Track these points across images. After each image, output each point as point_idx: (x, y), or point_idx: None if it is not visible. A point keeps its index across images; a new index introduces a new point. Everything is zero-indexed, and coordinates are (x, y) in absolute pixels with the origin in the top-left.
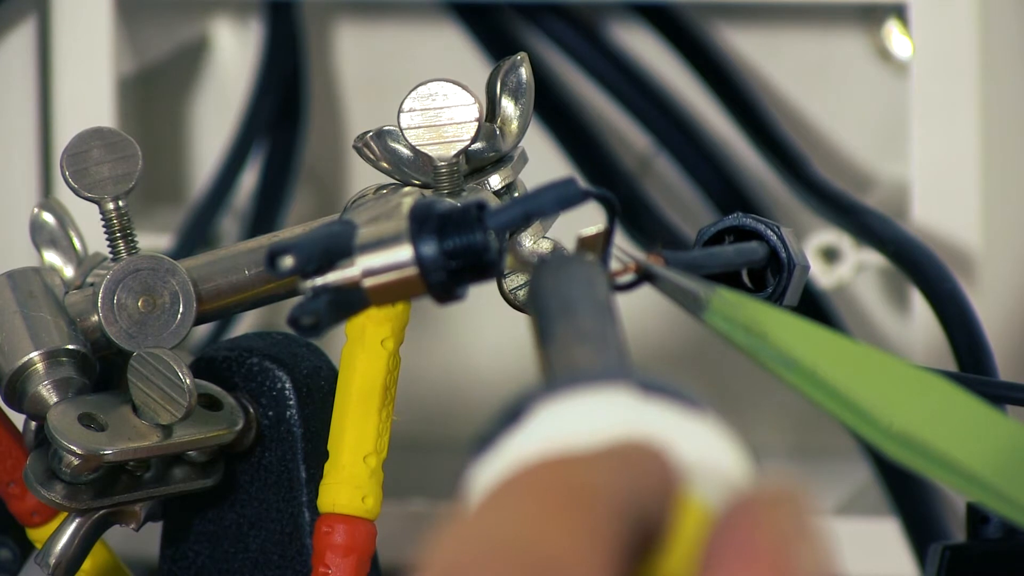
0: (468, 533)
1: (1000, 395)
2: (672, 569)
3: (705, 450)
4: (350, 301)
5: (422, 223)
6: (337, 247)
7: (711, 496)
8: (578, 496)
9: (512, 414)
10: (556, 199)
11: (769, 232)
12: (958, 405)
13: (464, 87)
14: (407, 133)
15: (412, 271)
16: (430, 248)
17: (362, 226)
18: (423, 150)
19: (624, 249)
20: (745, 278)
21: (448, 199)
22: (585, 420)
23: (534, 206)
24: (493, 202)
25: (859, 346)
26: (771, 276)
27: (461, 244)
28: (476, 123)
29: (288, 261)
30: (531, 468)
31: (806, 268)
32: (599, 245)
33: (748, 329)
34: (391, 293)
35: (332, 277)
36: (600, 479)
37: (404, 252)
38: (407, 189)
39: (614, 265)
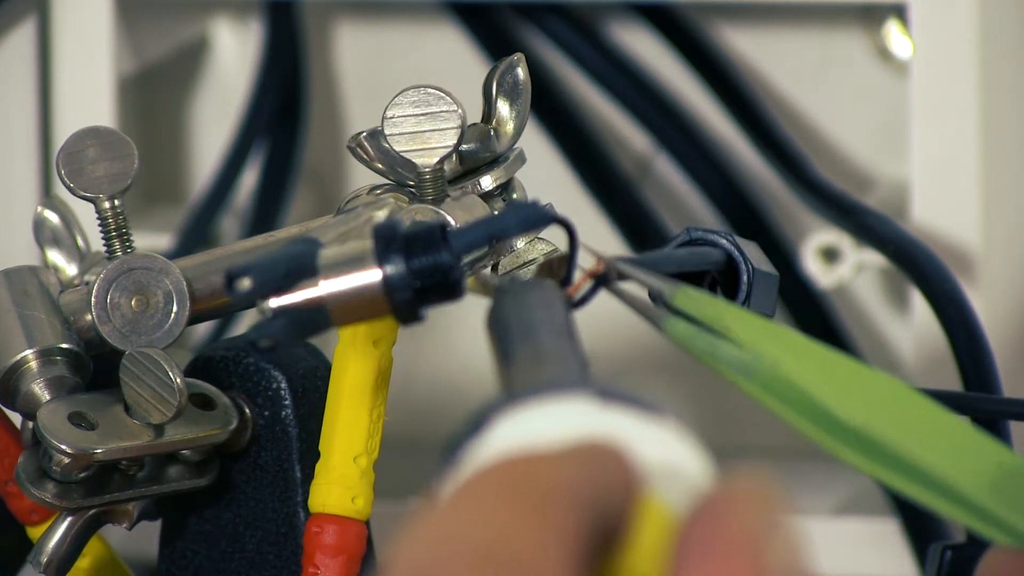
0: (432, 533)
1: (1000, 411)
2: (633, 568)
3: (664, 452)
4: (313, 321)
5: (388, 242)
6: (299, 268)
7: (672, 497)
8: (540, 494)
9: (474, 424)
10: (520, 222)
11: (721, 240)
12: (920, 409)
13: (447, 93)
14: (391, 139)
15: (377, 291)
16: (397, 267)
17: (327, 245)
18: (406, 156)
19: (587, 246)
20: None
21: (419, 215)
22: (544, 426)
23: (497, 228)
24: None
25: (824, 348)
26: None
27: (427, 264)
28: (459, 130)
29: (246, 283)
30: (493, 467)
31: (772, 276)
32: (561, 269)
33: (711, 325)
34: (354, 313)
35: (294, 298)
36: (561, 476)
37: (369, 272)
38: (377, 206)
39: (576, 275)
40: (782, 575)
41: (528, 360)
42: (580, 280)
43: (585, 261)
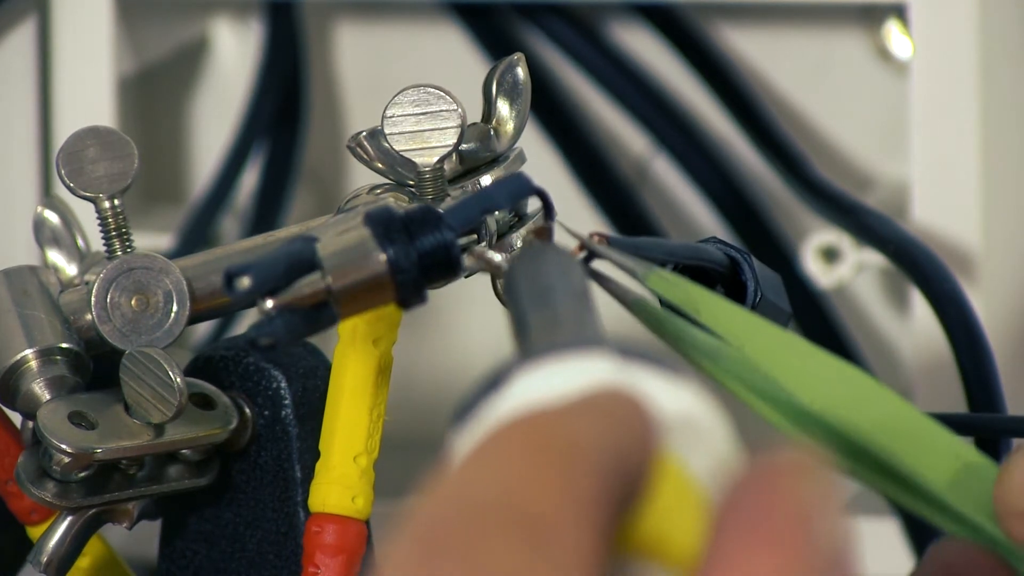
0: (450, 492)
1: (1008, 429)
2: (651, 526)
3: (684, 409)
4: (317, 317)
5: (388, 226)
6: (298, 264)
7: (691, 456)
8: (561, 449)
9: (492, 382)
10: (509, 193)
11: (737, 256)
12: (883, 400)
13: (447, 93)
14: (390, 139)
15: (382, 275)
16: (400, 249)
17: (326, 241)
18: (406, 156)
19: (569, 229)
20: None
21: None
22: (564, 382)
23: (489, 201)
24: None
25: (789, 335)
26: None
27: (430, 242)
28: (458, 129)
29: (245, 282)
30: (511, 425)
31: (784, 312)
32: (544, 239)
33: (681, 307)
34: (360, 302)
35: (296, 294)
36: (581, 432)
37: (372, 257)
38: (370, 201)
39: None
40: (831, 556)
41: (544, 324)
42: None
43: (568, 240)
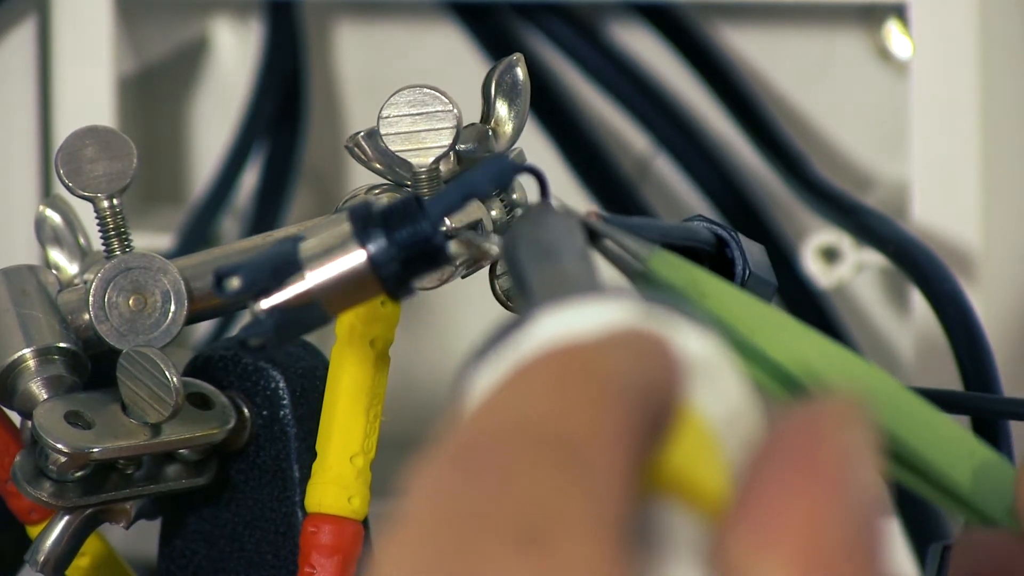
0: (485, 416)
1: (1003, 410)
2: (673, 469)
3: (704, 355)
4: (307, 316)
5: (365, 221)
6: (284, 264)
7: (710, 401)
8: (593, 379)
9: (512, 324)
10: (490, 177)
11: (723, 234)
12: (898, 395)
13: (443, 93)
14: (386, 139)
15: (365, 271)
16: (379, 243)
17: (311, 239)
18: (402, 156)
19: (564, 204)
20: None
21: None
22: (590, 321)
23: (470, 187)
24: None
25: (800, 324)
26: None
27: (408, 234)
28: (454, 130)
29: (235, 283)
30: (542, 356)
31: (770, 284)
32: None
33: (686, 290)
34: (347, 299)
35: (284, 295)
36: (611, 362)
37: (353, 254)
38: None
39: None
40: (867, 505)
41: (552, 278)
42: None
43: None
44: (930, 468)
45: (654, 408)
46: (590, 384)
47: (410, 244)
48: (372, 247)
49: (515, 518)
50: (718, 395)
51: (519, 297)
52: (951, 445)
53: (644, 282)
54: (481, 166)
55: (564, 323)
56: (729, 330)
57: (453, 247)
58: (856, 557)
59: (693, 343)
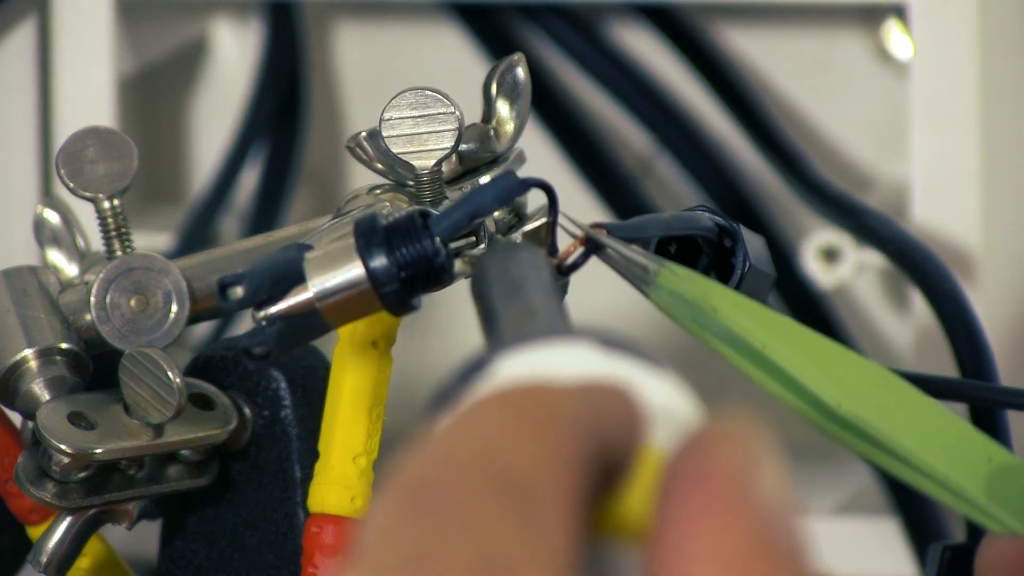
0: (432, 451)
1: (1002, 400)
2: (629, 511)
3: (666, 400)
4: (309, 326)
5: (369, 237)
6: (288, 273)
7: (670, 447)
8: (543, 416)
9: (472, 367)
10: (497, 195)
11: (725, 224)
12: (909, 400)
13: (445, 95)
14: (388, 141)
15: (365, 287)
16: (380, 260)
17: (316, 249)
18: (404, 159)
19: (571, 219)
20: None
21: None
22: (549, 366)
23: (476, 206)
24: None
25: (810, 332)
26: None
27: (411, 253)
28: (456, 132)
29: (238, 291)
30: (498, 392)
31: (768, 275)
32: (544, 236)
33: (697, 304)
34: (348, 312)
35: (286, 304)
36: (565, 405)
37: (355, 269)
38: (374, 209)
39: (563, 245)
40: (770, 511)
41: (518, 314)
42: (570, 247)
43: (572, 228)
44: (949, 482)
45: (607, 449)
46: (538, 420)
47: (412, 263)
48: (374, 263)
49: (464, 557)
50: (678, 437)
51: (485, 333)
52: (969, 455)
53: (654, 295)
54: (488, 184)
55: (524, 364)
56: (740, 341)
57: (458, 265)
58: (771, 560)
59: (653, 385)
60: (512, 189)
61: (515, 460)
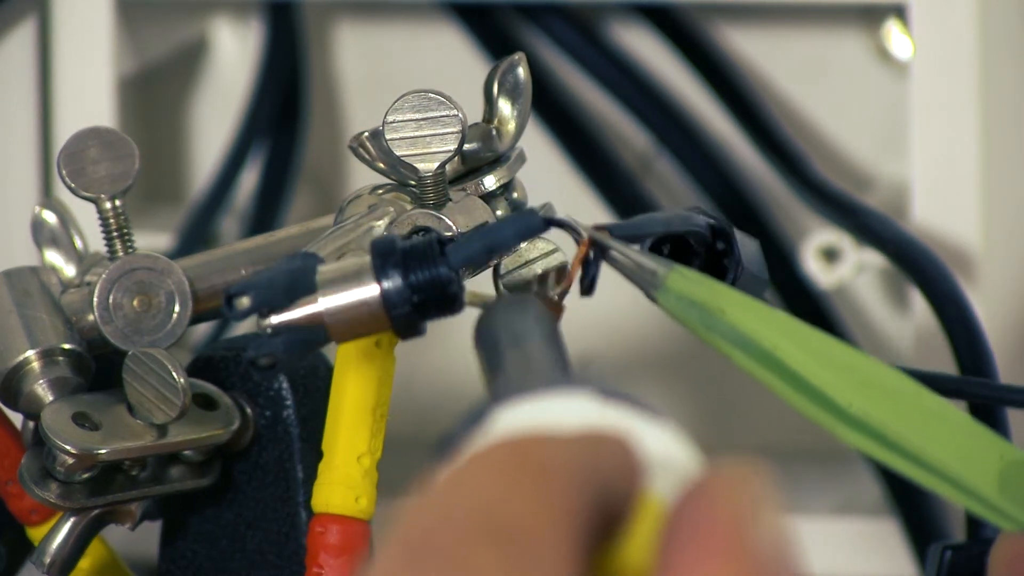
0: (432, 502)
1: (1001, 398)
2: (629, 560)
3: (665, 451)
4: (312, 338)
5: (385, 258)
6: (299, 285)
7: (670, 496)
8: (542, 468)
9: (474, 416)
10: (517, 232)
11: (719, 227)
12: (919, 399)
13: (448, 98)
14: (392, 144)
15: (376, 306)
16: (395, 283)
17: (326, 259)
18: (407, 161)
19: (574, 224)
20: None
21: (420, 221)
22: (548, 418)
23: (495, 240)
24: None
25: (819, 333)
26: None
27: (425, 278)
28: (459, 135)
29: (245, 302)
30: (497, 443)
31: (761, 280)
32: (560, 277)
33: (705, 306)
34: (354, 328)
35: (293, 315)
36: (565, 456)
37: (368, 288)
38: (377, 215)
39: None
40: (768, 557)
41: (520, 365)
42: (573, 269)
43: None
44: (962, 481)
45: (607, 499)
46: (539, 473)
47: (425, 288)
48: (388, 284)
49: None
50: (677, 486)
51: (486, 383)
52: (981, 453)
53: (662, 298)
54: (509, 219)
55: (524, 415)
56: (750, 344)
57: (468, 297)
58: None
59: (652, 435)
60: (533, 228)
61: (514, 511)
